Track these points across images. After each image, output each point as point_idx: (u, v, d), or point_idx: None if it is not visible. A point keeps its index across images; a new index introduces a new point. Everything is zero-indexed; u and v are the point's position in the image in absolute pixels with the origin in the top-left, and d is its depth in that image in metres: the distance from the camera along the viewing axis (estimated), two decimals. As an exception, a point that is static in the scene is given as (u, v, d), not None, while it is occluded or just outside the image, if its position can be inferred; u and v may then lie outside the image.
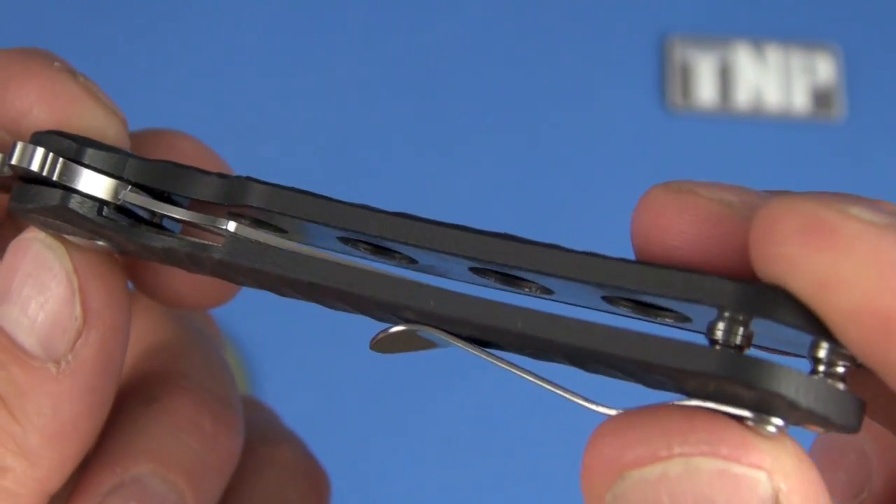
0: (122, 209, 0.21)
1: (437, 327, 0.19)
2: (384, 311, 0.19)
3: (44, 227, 0.22)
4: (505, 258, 0.18)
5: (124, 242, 0.21)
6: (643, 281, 0.17)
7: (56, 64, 0.22)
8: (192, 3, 0.90)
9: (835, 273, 0.16)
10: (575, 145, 0.88)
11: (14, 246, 0.22)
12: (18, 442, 0.21)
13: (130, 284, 0.24)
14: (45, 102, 0.22)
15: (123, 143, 0.22)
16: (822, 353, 0.17)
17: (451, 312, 0.18)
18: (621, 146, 0.88)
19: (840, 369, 0.17)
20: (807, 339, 0.17)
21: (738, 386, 0.16)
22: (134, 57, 0.88)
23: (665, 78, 0.90)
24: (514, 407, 0.80)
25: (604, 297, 0.19)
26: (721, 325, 0.17)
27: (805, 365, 0.18)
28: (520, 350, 0.19)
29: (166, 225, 0.22)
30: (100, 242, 0.22)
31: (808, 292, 0.16)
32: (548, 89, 0.89)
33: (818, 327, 0.17)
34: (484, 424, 0.81)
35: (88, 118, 0.22)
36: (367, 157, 0.87)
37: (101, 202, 0.21)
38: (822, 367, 0.17)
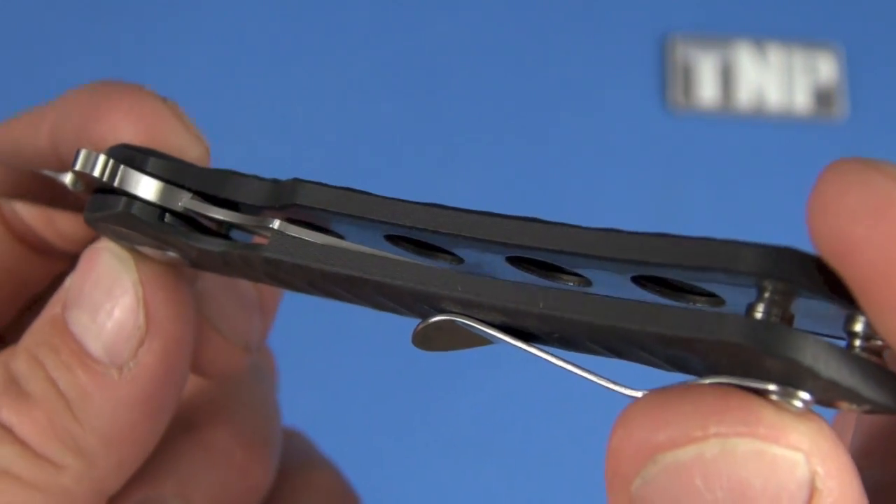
0: (185, 218, 0.22)
1: (469, 316, 0.19)
2: (419, 301, 0.20)
3: (116, 237, 0.23)
4: (521, 239, 0.18)
5: (187, 249, 0.22)
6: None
7: (146, 89, 0.23)
8: (193, 3, 0.90)
9: None
10: (576, 145, 0.88)
11: (86, 254, 0.23)
12: (78, 442, 0.22)
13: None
14: (133, 122, 0.22)
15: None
16: (858, 327, 0.16)
17: (476, 297, 0.18)
18: (623, 146, 0.88)
19: (879, 342, 0.16)
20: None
21: (757, 355, 0.16)
22: (135, 57, 0.88)
23: (666, 77, 0.90)
24: (520, 407, 0.80)
25: (634, 281, 0.18)
26: (760, 307, 0.16)
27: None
28: (550, 335, 0.19)
29: (234, 236, 0.23)
30: (170, 253, 0.22)
31: (867, 277, 0.15)
32: (549, 89, 0.89)
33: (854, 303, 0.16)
34: (490, 424, 0.81)
35: (172, 138, 0.23)
36: (366, 158, 0.87)
37: (162, 209, 0.22)
38: (858, 342, 0.16)
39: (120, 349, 0.22)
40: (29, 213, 0.25)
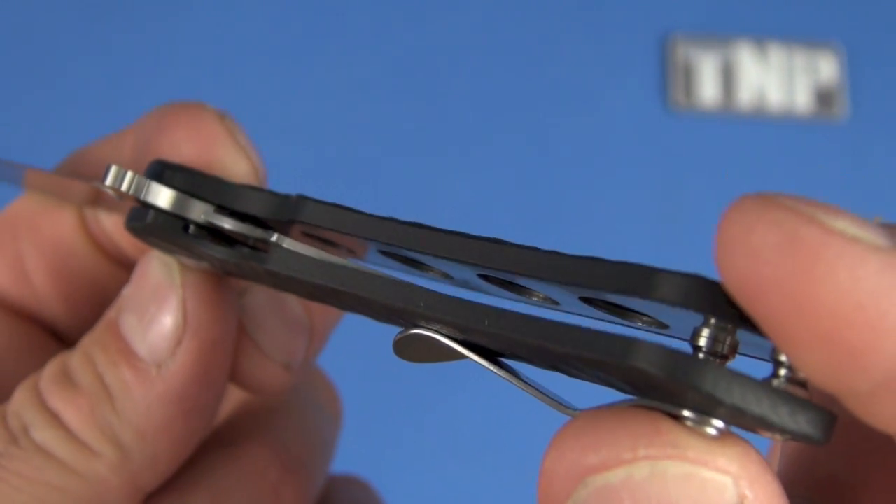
0: (212, 231, 0.23)
1: (437, 331, 0.19)
2: (395, 315, 0.20)
3: (156, 248, 0.24)
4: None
5: (210, 259, 0.23)
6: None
7: (207, 108, 0.25)
8: (193, 3, 0.90)
9: (808, 298, 0.14)
10: (577, 145, 0.88)
11: (140, 261, 0.25)
12: (115, 432, 0.24)
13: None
14: (192, 140, 0.24)
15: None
16: (783, 357, 0.16)
17: (435, 313, 0.19)
18: (624, 146, 0.88)
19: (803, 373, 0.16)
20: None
21: (662, 381, 0.16)
22: (134, 57, 0.89)
23: (667, 77, 0.90)
24: (519, 412, 0.80)
25: (583, 301, 0.18)
26: (705, 332, 0.16)
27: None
28: (505, 352, 0.19)
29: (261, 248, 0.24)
30: (204, 264, 0.24)
31: (776, 315, 0.15)
32: (550, 89, 0.89)
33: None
34: (489, 429, 0.81)
35: (222, 155, 0.24)
36: (365, 158, 0.87)
37: (185, 220, 0.23)
38: (783, 371, 0.16)
39: (159, 348, 0.24)
40: (112, 225, 0.26)
